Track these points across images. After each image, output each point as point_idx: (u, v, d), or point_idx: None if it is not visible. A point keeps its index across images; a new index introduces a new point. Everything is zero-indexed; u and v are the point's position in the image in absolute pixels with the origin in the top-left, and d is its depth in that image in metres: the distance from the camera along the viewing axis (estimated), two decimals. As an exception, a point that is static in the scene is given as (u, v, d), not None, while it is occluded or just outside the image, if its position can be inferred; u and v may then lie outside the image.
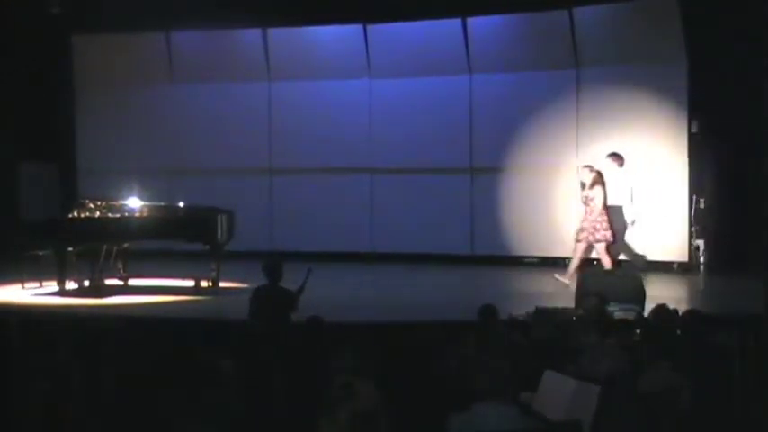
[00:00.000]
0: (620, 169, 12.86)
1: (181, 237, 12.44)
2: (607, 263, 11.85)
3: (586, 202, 12.12)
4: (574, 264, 12.15)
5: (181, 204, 12.66)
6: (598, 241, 11.95)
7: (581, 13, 14.05)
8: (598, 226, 11.93)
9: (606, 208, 12.03)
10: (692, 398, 5.31)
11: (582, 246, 12.11)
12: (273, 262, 8.61)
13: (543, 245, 14.38)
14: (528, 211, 14.47)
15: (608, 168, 12.71)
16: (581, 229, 12.13)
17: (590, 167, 12.30)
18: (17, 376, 5.41)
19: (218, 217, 12.27)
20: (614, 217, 12.52)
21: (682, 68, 13.41)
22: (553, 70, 14.32)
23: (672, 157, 13.51)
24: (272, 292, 8.37)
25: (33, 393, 5.17)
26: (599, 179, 12.08)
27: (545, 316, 8.34)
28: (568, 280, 11.80)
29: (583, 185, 12.33)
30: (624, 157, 12.91)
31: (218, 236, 12.25)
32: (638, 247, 13.25)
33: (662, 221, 13.42)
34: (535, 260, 14.46)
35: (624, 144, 13.63)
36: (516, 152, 14.58)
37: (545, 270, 13.47)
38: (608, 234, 11.94)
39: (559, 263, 13.43)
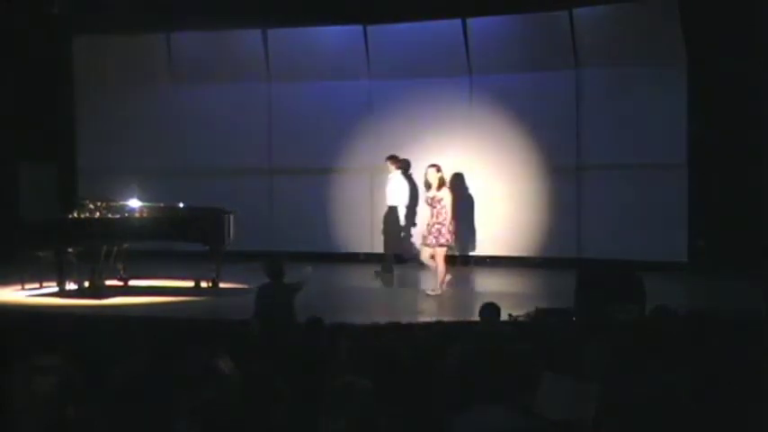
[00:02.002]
0: (397, 171, 13.45)
1: (186, 237, 12.41)
2: (442, 270, 11.55)
3: (432, 203, 11.68)
4: (441, 272, 11.66)
5: (181, 205, 12.66)
6: (441, 246, 11.54)
7: (581, 13, 14.06)
8: (444, 230, 11.52)
9: (455, 211, 11.76)
10: (690, 397, 5.31)
11: (440, 251, 11.61)
12: (274, 262, 8.82)
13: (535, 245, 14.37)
14: (529, 212, 14.47)
15: (388, 169, 13.41)
16: (428, 233, 11.66)
17: (437, 167, 11.90)
18: (17, 377, 5.40)
19: (226, 217, 12.30)
20: (390, 218, 13.33)
21: (681, 68, 13.42)
22: (553, 71, 14.32)
23: (671, 157, 13.50)
24: (276, 290, 8.62)
25: (33, 394, 5.15)
26: (449, 180, 11.87)
27: (545, 316, 8.33)
28: (441, 290, 11.62)
29: (428, 185, 11.93)
30: (404, 160, 13.62)
31: (225, 236, 12.29)
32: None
33: (661, 221, 13.43)
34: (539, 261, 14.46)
35: (624, 143, 13.69)
36: (516, 153, 14.57)
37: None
38: (451, 238, 11.64)
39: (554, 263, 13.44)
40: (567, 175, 14.34)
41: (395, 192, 13.56)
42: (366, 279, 13.65)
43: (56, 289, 11.94)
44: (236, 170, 15.68)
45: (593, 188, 14.25)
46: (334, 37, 15.40)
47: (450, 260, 12.21)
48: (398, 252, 14.06)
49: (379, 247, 14.93)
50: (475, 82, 14.84)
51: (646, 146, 13.64)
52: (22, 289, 12.10)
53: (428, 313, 10.39)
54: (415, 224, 14.30)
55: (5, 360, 5.93)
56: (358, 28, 15.20)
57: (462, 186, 14.39)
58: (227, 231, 12.32)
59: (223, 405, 4.79)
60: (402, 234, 13.96)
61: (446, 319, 9.92)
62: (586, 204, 14.26)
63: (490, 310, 7.50)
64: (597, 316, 7.96)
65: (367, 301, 11.83)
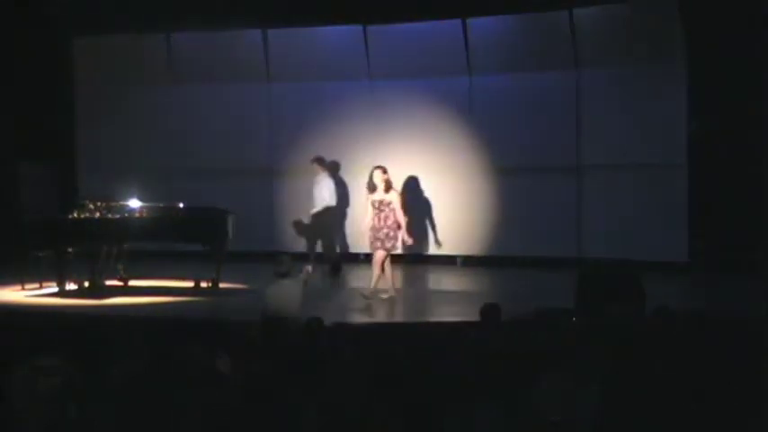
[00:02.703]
0: (324, 173, 13.75)
1: (186, 238, 12.40)
2: (377, 274, 11.12)
3: (380, 207, 11.17)
4: (388, 276, 11.29)
5: (181, 205, 12.65)
6: (388, 250, 11.13)
7: (581, 13, 14.07)
8: (392, 233, 11.11)
9: (406, 212, 11.32)
10: (690, 397, 5.32)
11: (381, 254, 11.17)
12: (283, 262, 9.13)
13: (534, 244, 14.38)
14: (524, 211, 14.47)
15: (315, 171, 13.69)
16: (374, 239, 11.20)
17: (382, 169, 11.37)
18: (17, 377, 5.41)
19: (226, 218, 12.30)
20: (321, 220, 13.55)
21: (681, 68, 13.42)
22: (553, 71, 14.32)
23: (672, 157, 13.51)
24: (285, 290, 8.86)
25: (33, 394, 5.15)
26: (404, 182, 11.55)
27: (545, 317, 8.32)
28: (386, 295, 11.37)
29: (373, 188, 11.38)
30: (332, 162, 13.89)
31: (228, 237, 12.30)
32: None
33: (661, 221, 13.44)
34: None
35: (624, 143, 13.69)
36: (516, 153, 14.57)
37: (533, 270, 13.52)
38: (394, 242, 11.16)
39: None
40: (567, 175, 14.34)
41: (324, 194, 13.71)
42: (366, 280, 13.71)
43: (56, 289, 11.95)
44: (237, 170, 15.68)
45: (593, 188, 14.26)
46: (333, 37, 15.40)
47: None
48: (329, 254, 14.36)
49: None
50: (475, 82, 14.84)
51: (646, 146, 13.64)
52: (22, 289, 12.11)
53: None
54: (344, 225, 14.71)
55: (6, 360, 5.93)
56: (358, 28, 15.20)
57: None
58: (228, 232, 12.32)
59: (223, 405, 4.80)
60: (334, 235, 14.30)
61: (446, 319, 9.93)
62: (586, 204, 14.27)
63: (491, 310, 7.49)
64: (597, 316, 7.95)
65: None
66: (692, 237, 13.40)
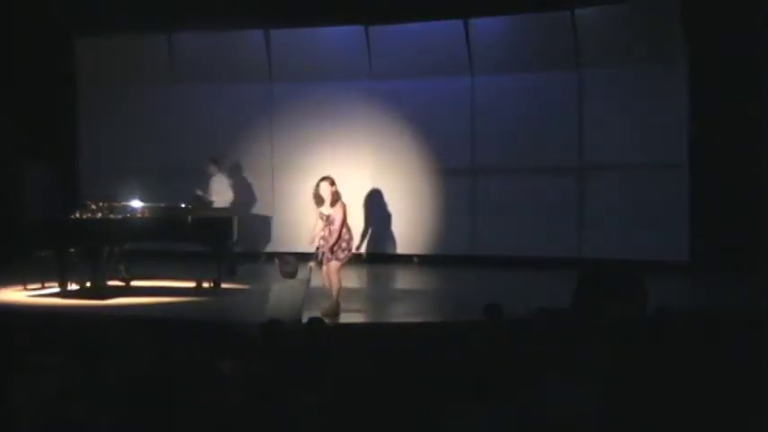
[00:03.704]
0: (220, 173, 13.79)
1: (188, 238, 12.38)
2: (336, 284, 10.42)
3: (328, 222, 10.42)
4: (336, 286, 10.47)
5: (182, 205, 12.66)
6: (338, 260, 10.43)
7: (582, 13, 14.07)
8: (343, 245, 10.42)
9: (345, 225, 10.44)
10: (690, 397, 5.33)
11: (335, 265, 10.45)
12: (289, 262, 9.38)
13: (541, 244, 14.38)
14: (525, 211, 14.47)
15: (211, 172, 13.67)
16: (322, 253, 10.47)
17: (329, 180, 10.54)
18: (18, 377, 5.42)
19: (233, 219, 12.33)
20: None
21: (683, 68, 13.42)
22: (555, 71, 14.32)
23: (672, 157, 13.51)
24: (290, 290, 9.10)
25: (34, 394, 5.18)
26: (339, 196, 10.48)
27: (545, 316, 8.32)
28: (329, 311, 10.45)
29: (320, 200, 10.51)
30: (219, 161, 13.77)
31: (232, 238, 12.32)
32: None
33: (661, 221, 13.45)
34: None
35: (625, 143, 13.71)
36: (518, 153, 14.58)
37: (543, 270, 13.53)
38: (346, 253, 10.48)
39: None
40: (569, 175, 14.34)
41: (221, 193, 13.85)
42: (370, 278, 13.78)
43: (58, 289, 11.96)
44: (238, 170, 15.71)
45: (594, 188, 14.26)
46: (335, 37, 15.41)
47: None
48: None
49: (380, 248, 15.07)
50: (476, 82, 14.85)
51: (647, 146, 13.64)
52: (24, 289, 12.12)
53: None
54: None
55: (8, 359, 5.95)
56: (360, 28, 15.20)
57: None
58: (230, 232, 12.34)
59: (224, 406, 4.81)
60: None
61: (445, 319, 9.94)
62: (588, 204, 14.28)
63: (493, 310, 7.50)
64: (597, 316, 7.96)
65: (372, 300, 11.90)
66: (693, 236, 13.40)
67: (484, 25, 14.68)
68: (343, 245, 10.42)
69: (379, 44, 15.20)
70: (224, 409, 4.73)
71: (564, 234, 14.21)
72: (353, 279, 13.07)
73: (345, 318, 10.15)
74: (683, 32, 13.31)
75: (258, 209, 15.43)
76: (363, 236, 14.94)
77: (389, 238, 15.21)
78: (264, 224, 15.50)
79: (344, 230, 10.42)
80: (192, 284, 12.29)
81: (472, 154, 14.89)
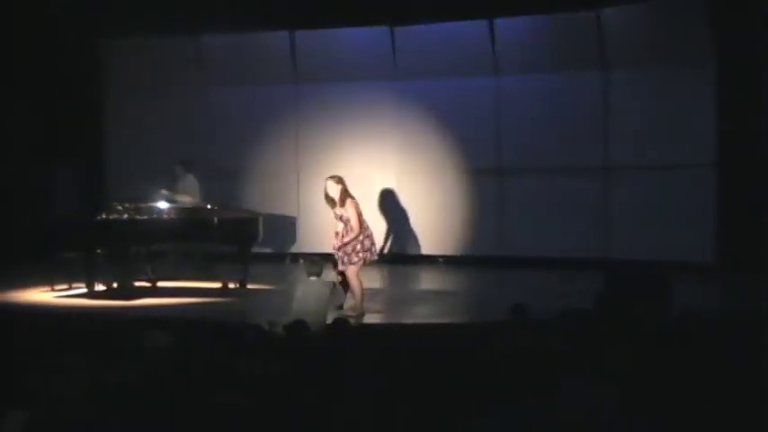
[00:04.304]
0: (186, 173, 13.54)
1: (214, 239, 12.41)
2: (357, 288, 10.32)
3: (342, 220, 10.35)
4: (357, 290, 10.36)
5: (209, 206, 12.70)
6: (353, 264, 10.27)
7: (608, 13, 14.01)
8: (349, 249, 10.26)
9: (362, 225, 10.33)
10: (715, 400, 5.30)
11: (353, 269, 10.35)
12: (315, 263, 9.55)
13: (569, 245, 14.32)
14: (551, 212, 14.44)
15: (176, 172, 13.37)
16: (338, 257, 10.37)
17: (335, 179, 10.48)
18: (46, 376, 5.47)
19: (259, 219, 12.36)
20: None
21: (710, 68, 13.32)
22: (580, 72, 14.28)
23: (699, 157, 13.42)
24: (317, 290, 9.25)
25: (60, 393, 5.21)
26: (348, 193, 10.40)
27: (569, 317, 8.30)
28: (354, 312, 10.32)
29: (332, 201, 10.45)
30: (188, 163, 13.52)
31: (259, 238, 12.35)
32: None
33: (688, 222, 13.36)
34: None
35: (652, 144, 13.63)
36: (544, 154, 14.54)
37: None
38: (366, 255, 10.33)
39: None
40: (595, 175, 14.29)
41: (187, 195, 13.75)
42: (392, 279, 13.78)
43: (84, 290, 12.04)
44: (265, 172, 15.75)
45: (620, 189, 14.19)
46: (360, 38, 15.43)
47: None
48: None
49: (406, 249, 15.08)
50: (501, 83, 14.82)
51: (673, 146, 13.56)
52: (52, 290, 12.20)
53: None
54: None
55: (35, 360, 6.00)
56: (385, 29, 15.21)
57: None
58: (256, 233, 12.37)
59: (247, 407, 4.82)
60: None
61: (471, 320, 9.93)
62: (613, 205, 14.21)
63: (519, 310, 7.49)
64: (622, 317, 7.92)
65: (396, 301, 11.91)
66: (719, 237, 13.31)
67: (509, 25, 14.65)
68: (359, 246, 10.25)
69: (405, 44, 15.20)
70: (243, 410, 4.75)
71: (590, 235, 14.15)
72: (378, 279, 13.11)
73: (369, 318, 10.16)
74: (710, 32, 13.22)
75: (283, 209, 15.46)
76: (387, 236, 14.98)
77: (414, 238, 15.21)
78: (290, 225, 15.52)
79: (363, 229, 10.30)
80: (218, 285, 12.33)
81: (498, 154, 14.87)
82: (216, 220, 12.25)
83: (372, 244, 10.48)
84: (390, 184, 15.24)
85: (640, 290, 9.16)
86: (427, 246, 15.22)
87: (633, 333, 6.84)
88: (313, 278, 9.56)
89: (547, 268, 13.92)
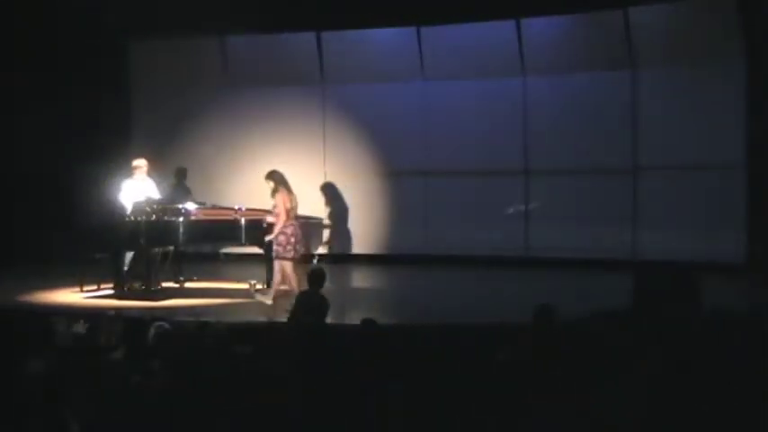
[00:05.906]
0: (141, 175, 13.08)
1: (241, 240, 12.39)
2: (294, 284, 10.89)
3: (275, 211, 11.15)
4: (277, 280, 11.17)
5: (237, 207, 12.71)
6: (285, 259, 11.01)
7: (636, 12, 13.93)
8: (282, 240, 11.07)
9: (289, 219, 11.15)
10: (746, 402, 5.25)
11: (284, 263, 11.06)
12: (320, 272, 9.41)
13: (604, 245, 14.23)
14: (579, 212, 14.36)
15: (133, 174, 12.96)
16: (276, 246, 11.13)
17: (266, 174, 11.45)
18: (75, 376, 5.50)
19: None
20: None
21: (740, 66, 13.23)
22: (609, 71, 14.20)
23: (729, 157, 13.32)
24: (320, 297, 9.07)
25: (90, 393, 5.23)
26: (279, 186, 11.16)
27: (599, 318, 8.24)
28: (270, 301, 11.17)
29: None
30: (141, 164, 13.11)
31: None
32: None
33: (718, 222, 13.26)
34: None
35: (681, 143, 13.55)
36: (572, 154, 14.47)
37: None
38: (293, 249, 11.07)
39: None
40: (624, 175, 14.21)
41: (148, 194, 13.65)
42: (419, 281, 13.78)
43: (113, 291, 12.09)
44: (292, 173, 15.74)
45: (649, 189, 14.10)
46: (387, 39, 15.43)
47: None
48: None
49: (434, 250, 15.04)
50: (529, 83, 14.77)
51: (702, 146, 13.48)
52: (81, 290, 12.27)
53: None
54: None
55: (63, 358, 6.03)
56: (411, 30, 15.19)
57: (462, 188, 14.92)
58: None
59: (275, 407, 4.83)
60: None
61: (493, 320, 9.90)
62: (642, 205, 14.13)
63: (545, 311, 7.44)
64: (652, 317, 7.86)
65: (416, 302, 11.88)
66: (750, 238, 13.20)
67: (536, 25, 14.60)
68: (292, 239, 11.01)
69: (431, 45, 15.17)
70: (277, 411, 4.75)
71: (618, 235, 14.05)
72: (406, 279, 13.11)
73: (400, 319, 10.15)
74: (740, 31, 13.12)
75: (310, 211, 15.46)
76: (412, 237, 15.01)
77: (443, 238, 15.17)
78: (317, 227, 15.52)
79: (287, 220, 11.00)
80: (244, 286, 12.35)
81: (525, 154, 14.82)
82: (243, 221, 12.25)
83: (294, 237, 11.09)
84: (417, 183, 15.23)
85: (670, 289, 9.08)
86: (457, 246, 15.13)
87: (665, 332, 6.79)
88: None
89: (575, 269, 13.84)
